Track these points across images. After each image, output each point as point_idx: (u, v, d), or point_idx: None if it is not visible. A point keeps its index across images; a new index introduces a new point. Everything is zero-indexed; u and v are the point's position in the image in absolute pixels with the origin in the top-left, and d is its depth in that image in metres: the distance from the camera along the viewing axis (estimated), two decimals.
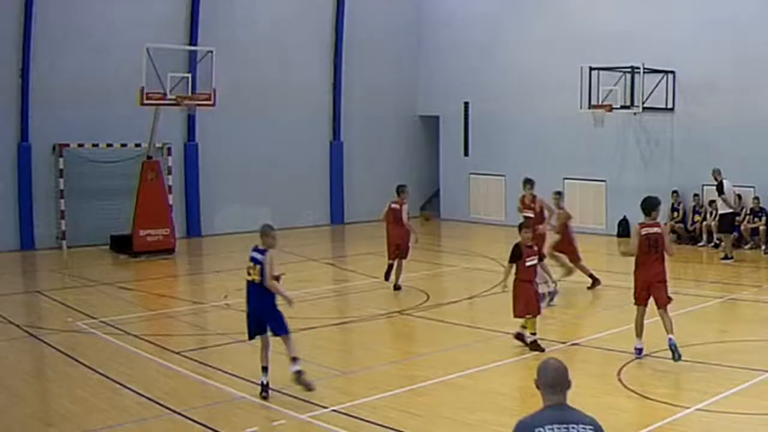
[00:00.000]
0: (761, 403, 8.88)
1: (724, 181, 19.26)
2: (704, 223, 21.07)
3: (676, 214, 21.62)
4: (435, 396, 9.57)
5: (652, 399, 9.06)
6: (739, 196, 20.10)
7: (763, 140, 20.12)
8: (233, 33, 23.97)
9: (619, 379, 9.85)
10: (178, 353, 11.28)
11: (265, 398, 9.19)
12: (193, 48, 22.12)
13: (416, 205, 28.84)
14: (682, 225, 21.52)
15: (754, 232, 20.24)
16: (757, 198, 20.22)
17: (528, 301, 11.11)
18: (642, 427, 8.19)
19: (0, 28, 20.36)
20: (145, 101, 19.30)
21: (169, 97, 19.51)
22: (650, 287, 10.41)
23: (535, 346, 11.14)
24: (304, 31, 25.90)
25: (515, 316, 11.26)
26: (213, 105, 20.70)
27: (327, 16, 26.47)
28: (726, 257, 19.00)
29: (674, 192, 21.59)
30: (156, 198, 20.35)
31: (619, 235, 22.59)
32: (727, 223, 19.22)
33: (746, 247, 20.39)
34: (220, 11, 23.87)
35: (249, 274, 9.31)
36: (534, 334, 11.24)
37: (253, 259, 9.29)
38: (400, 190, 15.58)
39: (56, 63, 20.97)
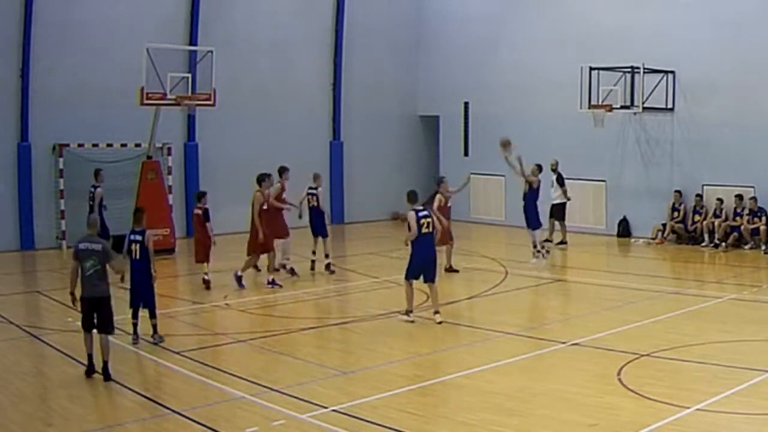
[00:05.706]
0: (761, 403, 8.88)
1: (561, 173, 21.63)
2: (704, 222, 21.03)
3: (676, 214, 21.58)
4: (435, 396, 9.57)
5: (652, 399, 9.05)
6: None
7: (763, 140, 20.09)
8: (233, 33, 23.94)
9: (619, 379, 9.84)
10: (178, 353, 11.27)
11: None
12: (193, 48, 22.10)
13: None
14: (681, 225, 21.48)
15: (755, 231, 20.21)
16: (754, 198, 20.21)
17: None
18: (642, 427, 8.18)
19: (0, 28, 20.37)
20: (145, 101, 19.28)
21: (169, 97, 19.49)
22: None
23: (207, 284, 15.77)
24: (304, 31, 25.87)
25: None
26: (213, 105, 20.69)
27: (327, 15, 26.46)
28: (561, 242, 21.13)
29: (676, 192, 21.56)
30: (156, 198, 20.32)
31: (619, 235, 22.57)
32: (560, 211, 21.43)
33: (746, 247, 20.37)
34: (220, 11, 23.86)
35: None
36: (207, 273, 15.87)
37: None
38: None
39: (56, 63, 20.96)
